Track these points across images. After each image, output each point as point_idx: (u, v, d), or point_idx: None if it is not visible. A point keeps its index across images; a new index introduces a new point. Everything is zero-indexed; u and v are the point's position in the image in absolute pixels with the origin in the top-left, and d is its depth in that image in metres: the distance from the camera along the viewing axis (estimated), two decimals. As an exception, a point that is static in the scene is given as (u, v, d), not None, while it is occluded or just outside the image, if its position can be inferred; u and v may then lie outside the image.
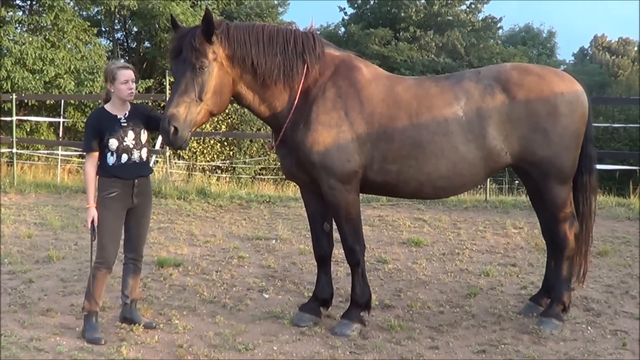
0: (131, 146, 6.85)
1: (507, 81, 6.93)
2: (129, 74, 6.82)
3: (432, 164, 6.85)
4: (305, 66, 6.86)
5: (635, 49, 63.10)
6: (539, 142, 6.88)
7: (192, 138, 21.05)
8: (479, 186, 15.58)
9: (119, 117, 6.84)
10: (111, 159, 6.79)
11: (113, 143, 6.76)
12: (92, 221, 6.76)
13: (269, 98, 6.92)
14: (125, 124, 6.84)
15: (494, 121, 6.83)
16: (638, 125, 32.07)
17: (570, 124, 6.96)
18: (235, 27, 6.82)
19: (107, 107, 6.91)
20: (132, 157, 6.87)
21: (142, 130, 6.95)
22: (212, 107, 6.65)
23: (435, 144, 6.83)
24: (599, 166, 15.83)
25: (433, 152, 6.84)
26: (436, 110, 6.86)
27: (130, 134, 6.84)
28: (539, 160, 6.94)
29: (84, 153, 6.97)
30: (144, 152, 7.00)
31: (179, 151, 14.15)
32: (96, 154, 6.81)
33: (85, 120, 7.08)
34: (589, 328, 7.25)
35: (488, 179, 14.56)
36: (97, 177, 6.85)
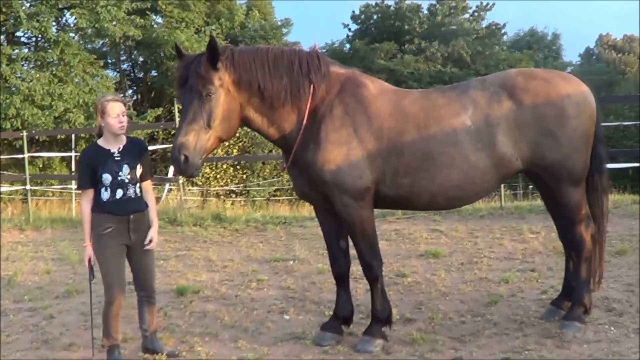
0: (126, 181, 6.66)
1: (513, 87, 6.93)
2: (119, 107, 6.64)
3: (443, 174, 6.85)
4: (312, 86, 6.88)
5: (641, 44, 62.95)
6: (548, 146, 6.87)
7: (205, 164, 21.16)
8: (494, 193, 15.55)
9: (112, 151, 6.67)
10: (105, 194, 6.61)
11: (107, 178, 6.59)
12: (89, 260, 6.68)
13: (278, 120, 6.94)
14: (119, 158, 6.67)
15: (503, 128, 6.82)
16: (649, 121, 32.00)
17: (579, 125, 6.95)
18: (239, 51, 6.85)
19: (100, 142, 6.75)
20: (128, 192, 6.68)
21: (138, 165, 6.77)
22: (221, 133, 6.68)
23: (446, 155, 6.83)
24: (612, 165, 15.90)
25: (444, 162, 6.83)
26: (444, 121, 6.86)
27: (125, 169, 6.66)
28: (550, 163, 6.93)
29: (78, 190, 6.85)
30: (139, 187, 6.84)
31: (192, 178, 14.19)
32: (91, 190, 6.63)
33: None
34: (612, 328, 7.21)
35: (502, 186, 14.57)
36: (92, 213, 6.65)
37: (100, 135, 6.80)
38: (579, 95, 7.03)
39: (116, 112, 6.59)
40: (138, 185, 6.78)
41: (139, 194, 6.81)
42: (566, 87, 7.01)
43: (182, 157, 6.44)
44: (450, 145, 6.83)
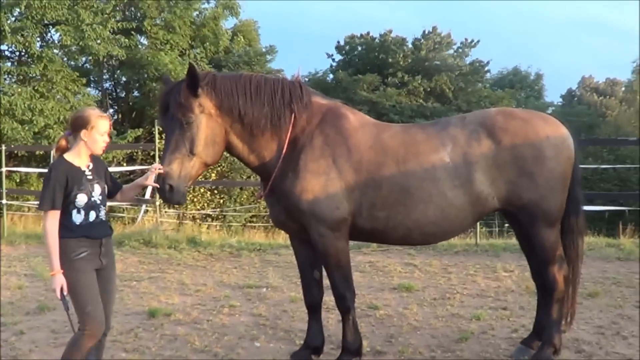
0: (98, 202, 6.04)
1: (492, 126, 6.99)
2: (108, 125, 6.08)
3: (420, 210, 6.88)
4: (293, 115, 6.91)
5: (623, 89, 63.53)
6: (525, 186, 6.92)
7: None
8: (470, 230, 15.61)
9: (83, 169, 6.00)
10: (78, 217, 5.89)
11: (81, 199, 5.91)
12: (62, 289, 5.82)
13: (258, 148, 6.97)
14: (91, 178, 6.03)
15: (481, 166, 6.87)
16: (627, 165, 32.31)
17: (557, 167, 7.01)
18: (221, 77, 6.89)
19: (68, 157, 5.96)
20: (100, 214, 6.05)
21: (105, 186, 6.21)
22: (205, 158, 6.71)
23: (423, 190, 6.86)
24: (588, 207, 16.03)
25: (421, 198, 6.87)
26: (423, 157, 6.90)
27: (97, 189, 6.05)
28: (526, 203, 6.97)
29: (42, 211, 5.85)
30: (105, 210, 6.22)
31: (179, 205, 14.21)
32: (59, 212, 5.82)
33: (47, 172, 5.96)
34: (581, 370, 7.25)
35: (478, 223, 14.64)
36: (60, 239, 5.83)
37: (64, 149, 6.05)
38: (558, 137, 7.09)
39: (105, 130, 6.04)
40: (106, 206, 6.27)
41: (107, 216, 6.29)
42: (545, 128, 7.08)
43: (167, 187, 6.48)
44: (428, 181, 6.86)
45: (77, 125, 5.97)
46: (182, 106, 6.53)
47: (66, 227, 5.87)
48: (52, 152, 5.97)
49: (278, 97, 6.91)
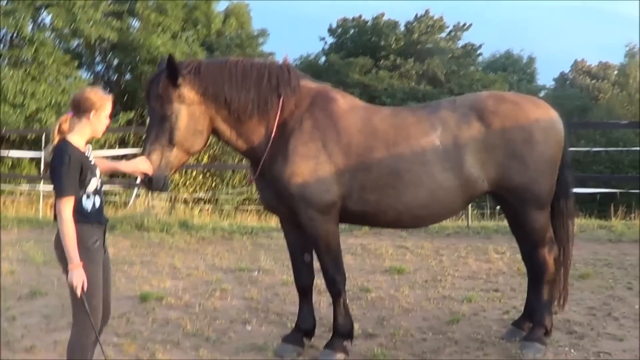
0: (99, 187, 5.79)
1: (482, 110, 7.00)
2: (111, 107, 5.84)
3: (410, 192, 6.90)
4: (281, 100, 6.91)
5: (615, 72, 63.56)
6: (515, 169, 6.94)
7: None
8: (461, 212, 15.61)
9: (86, 153, 5.75)
10: (88, 203, 5.62)
11: (93, 184, 5.68)
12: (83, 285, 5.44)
13: (246, 132, 6.98)
14: (92, 162, 5.79)
15: (471, 149, 6.89)
16: (619, 148, 32.34)
17: (546, 150, 7.03)
18: (207, 64, 6.92)
19: (74, 141, 5.65)
20: (102, 199, 5.84)
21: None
22: (188, 147, 6.73)
23: (413, 173, 6.87)
24: (580, 190, 16.07)
25: (411, 181, 6.88)
26: (413, 140, 6.91)
27: (98, 173, 5.81)
28: (515, 186, 7.00)
29: (60, 198, 5.44)
30: None
31: (162, 192, 14.10)
32: (73, 198, 5.50)
33: (56, 157, 5.55)
34: (572, 351, 7.28)
35: (469, 205, 14.63)
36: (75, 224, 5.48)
37: (64, 132, 5.69)
38: (548, 121, 7.11)
39: (109, 112, 5.82)
40: None
41: None
42: (535, 111, 7.09)
43: (146, 177, 6.52)
44: (418, 164, 6.88)
45: (83, 107, 5.69)
46: (160, 97, 6.58)
47: (80, 213, 5.56)
48: (53, 134, 5.56)
49: (265, 82, 6.91)
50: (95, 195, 5.70)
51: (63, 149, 5.57)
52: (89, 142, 5.87)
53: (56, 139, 5.64)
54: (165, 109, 6.57)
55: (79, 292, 5.42)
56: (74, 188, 5.49)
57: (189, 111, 6.68)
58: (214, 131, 7.03)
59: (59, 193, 5.42)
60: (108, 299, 5.91)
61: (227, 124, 6.95)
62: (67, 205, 5.43)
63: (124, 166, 6.40)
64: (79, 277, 5.39)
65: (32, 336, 7.98)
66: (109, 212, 20.30)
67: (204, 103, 6.77)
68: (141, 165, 6.43)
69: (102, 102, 5.71)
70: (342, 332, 7.18)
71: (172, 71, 6.58)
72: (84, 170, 5.59)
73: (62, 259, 5.58)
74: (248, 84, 6.88)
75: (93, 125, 5.72)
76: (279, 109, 6.92)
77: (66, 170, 5.46)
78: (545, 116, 7.13)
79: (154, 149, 6.56)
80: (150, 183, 6.51)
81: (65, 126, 5.67)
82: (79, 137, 5.69)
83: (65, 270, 5.55)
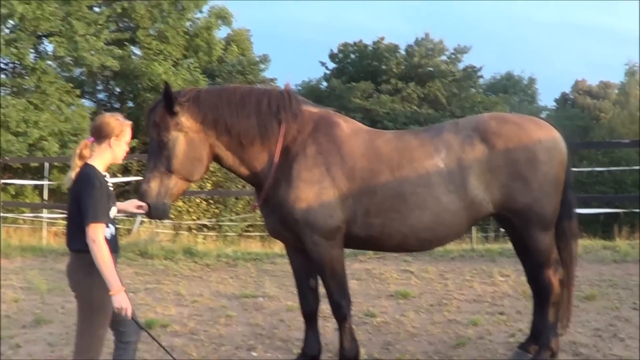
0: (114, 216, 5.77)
1: (485, 131, 7.01)
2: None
3: (415, 215, 6.89)
4: (282, 125, 6.92)
5: (616, 91, 63.66)
6: (519, 190, 6.94)
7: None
8: (465, 235, 15.60)
9: (107, 179, 5.72)
10: (107, 231, 5.51)
11: (113, 212, 5.69)
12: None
13: (248, 159, 6.98)
14: (112, 189, 5.77)
15: (475, 171, 6.89)
16: (621, 167, 32.32)
17: (550, 170, 7.03)
18: (206, 91, 6.97)
19: (97, 166, 5.63)
20: (116, 228, 5.78)
21: None
22: (186, 175, 6.73)
23: (418, 196, 6.87)
24: (584, 210, 16.04)
25: (416, 204, 6.88)
26: (417, 163, 6.92)
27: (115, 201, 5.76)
28: (520, 208, 6.99)
29: (95, 222, 5.36)
30: None
31: (162, 220, 14.05)
32: None
33: (87, 181, 5.51)
34: (578, 373, 7.26)
35: (473, 228, 14.63)
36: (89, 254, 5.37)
37: (85, 157, 5.65)
38: (551, 141, 7.12)
39: (129, 138, 5.85)
40: None
41: None
42: (538, 132, 7.10)
43: (145, 205, 6.51)
44: (423, 187, 6.87)
45: (104, 132, 5.68)
46: (157, 126, 6.61)
47: None
48: (74, 160, 5.45)
49: (264, 108, 6.93)
50: (112, 224, 5.68)
51: (93, 174, 5.56)
52: (107, 168, 5.85)
53: (77, 164, 5.60)
54: (162, 137, 6.59)
55: (129, 314, 5.41)
56: (106, 214, 5.50)
57: (187, 139, 6.70)
58: (216, 158, 7.04)
59: (94, 218, 5.35)
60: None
61: (229, 151, 6.96)
62: (101, 231, 5.38)
63: (123, 206, 6.33)
64: (124, 300, 5.35)
65: (36, 365, 7.97)
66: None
67: (203, 130, 6.79)
68: (136, 201, 6.41)
69: (122, 127, 5.72)
70: (348, 357, 7.16)
71: (168, 100, 6.62)
72: (108, 196, 5.58)
73: (77, 286, 5.60)
74: (248, 110, 6.89)
75: (113, 151, 5.72)
76: (281, 134, 6.93)
77: (99, 194, 5.44)
78: (548, 136, 7.14)
79: (153, 177, 6.59)
80: (149, 210, 6.52)
81: (87, 152, 5.65)
82: (99, 163, 5.68)
83: (77, 298, 5.61)
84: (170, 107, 6.63)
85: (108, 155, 5.71)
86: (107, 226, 5.53)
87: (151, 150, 6.71)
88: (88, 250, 5.36)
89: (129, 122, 5.83)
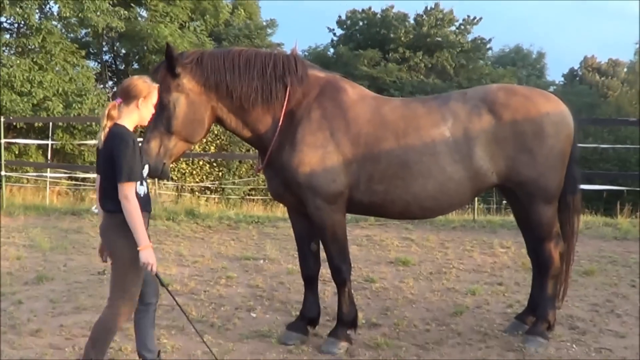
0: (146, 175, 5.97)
1: (493, 102, 7.00)
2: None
3: (419, 184, 6.90)
4: (288, 89, 6.94)
5: (625, 69, 63.43)
6: (525, 163, 6.95)
7: (181, 159, 21.13)
8: (467, 206, 15.64)
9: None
10: (141, 189, 5.67)
11: (145, 170, 5.93)
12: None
13: (251, 121, 7.01)
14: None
15: (481, 141, 6.89)
16: (627, 145, 32.29)
17: (556, 144, 7.03)
18: (210, 54, 6.96)
19: (128, 126, 5.73)
20: (148, 187, 5.94)
21: None
22: (186, 136, 6.79)
23: (423, 164, 6.88)
24: (587, 186, 16.06)
25: (420, 172, 6.89)
26: (423, 131, 6.92)
27: None
28: (524, 180, 7.01)
29: (129, 181, 5.45)
30: None
31: (162, 180, 14.03)
32: None
33: (120, 140, 5.56)
34: (574, 346, 7.29)
35: (476, 199, 14.65)
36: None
37: (113, 117, 5.68)
38: (558, 115, 7.11)
39: (155, 101, 5.93)
40: None
41: None
42: (546, 105, 7.09)
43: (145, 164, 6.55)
44: (428, 155, 6.88)
45: (132, 94, 5.74)
46: (159, 86, 6.56)
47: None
48: (103, 120, 5.48)
49: (269, 71, 6.93)
50: (144, 182, 5.82)
51: (126, 133, 5.62)
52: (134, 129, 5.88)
53: (107, 125, 5.63)
54: (163, 98, 6.60)
55: (154, 270, 5.51)
56: (139, 172, 5.60)
57: (188, 101, 6.74)
58: (218, 121, 7.09)
59: (128, 177, 5.42)
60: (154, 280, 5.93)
61: (231, 113, 7.00)
62: (133, 189, 5.48)
63: None
64: (150, 256, 5.45)
65: (38, 320, 7.99)
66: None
67: (205, 93, 6.82)
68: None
69: (150, 90, 5.78)
70: (346, 321, 7.20)
71: (170, 61, 6.65)
72: (140, 155, 5.65)
73: (111, 245, 5.67)
74: (251, 73, 6.89)
75: (141, 112, 5.78)
76: (286, 98, 6.94)
77: (132, 153, 5.50)
78: (556, 110, 7.13)
79: (153, 137, 6.67)
80: (149, 170, 6.55)
81: (115, 113, 5.68)
82: (127, 124, 5.72)
83: (111, 256, 5.67)
84: (172, 69, 6.67)
85: (135, 117, 5.77)
86: (141, 184, 5.66)
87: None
88: (121, 210, 5.44)
89: (156, 85, 5.90)
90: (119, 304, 5.63)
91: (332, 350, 7.01)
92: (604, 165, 36.44)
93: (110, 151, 5.53)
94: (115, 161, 5.47)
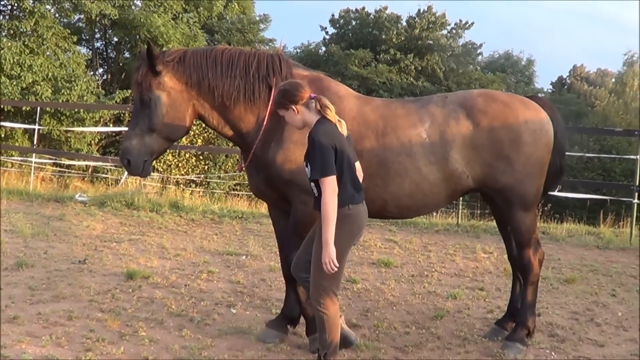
0: None
1: (471, 108, 7.04)
2: None
3: (396, 183, 6.95)
4: (272, 90, 6.93)
5: (613, 80, 63.72)
6: (501, 170, 6.99)
7: (168, 151, 21.07)
8: (451, 210, 15.67)
9: None
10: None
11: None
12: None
13: (233, 119, 7.05)
14: None
15: (457, 145, 6.94)
16: (612, 155, 32.44)
17: (534, 152, 7.07)
18: (192, 52, 7.04)
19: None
20: None
21: None
22: (167, 134, 6.88)
23: (400, 164, 6.93)
24: (571, 195, 16.09)
25: (397, 171, 6.93)
26: (401, 131, 6.97)
27: None
28: (501, 187, 7.06)
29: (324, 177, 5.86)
30: None
31: (143, 177, 13.97)
32: None
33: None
34: (553, 353, 7.31)
35: (460, 203, 14.68)
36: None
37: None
38: (537, 123, 7.14)
39: None
40: None
41: None
42: (525, 113, 7.12)
43: (125, 161, 6.77)
44: (404, 155, 6.93)
45: (301, 99, 6.09)
46: (140, 85, 6.76)
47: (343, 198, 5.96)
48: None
49: (252, 71, 6.98)
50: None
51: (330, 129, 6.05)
52: None
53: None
54: (144, 96, 6.73)
55: (333, 269, 5.75)
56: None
57: (169, 99, 6.80)
58: (200, 118, 7.15)
59: (322, 174, 5.88)
60: None
61: (214, 111, 7.05)
62: (331, 185, 5.87)
63: None
64: (329, 254, 5.74)
65: (16, 307, 7.94)
66: (99, 189, 20.34)
67: (186, 90, 6.89)
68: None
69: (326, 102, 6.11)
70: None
71: (150, 59, 6.71)
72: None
73: None
74: (234, 71, 6.95)
75: (310, 112, 6.15)
76: (271, 98, 6.93)
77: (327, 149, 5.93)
78: (535, 118, 7.16)
79: (135, 134, 6.76)
80: (130, 166, 6.73)
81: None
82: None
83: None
84: (153, 67, 6.72)
85: (307, 116, 6.16)
86: None
87: (134, 108, 6.89)
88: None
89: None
90: (325, 297, 6.02)
91: (312, 348, 7.00)
92: (589, 174, 36.65)
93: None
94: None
